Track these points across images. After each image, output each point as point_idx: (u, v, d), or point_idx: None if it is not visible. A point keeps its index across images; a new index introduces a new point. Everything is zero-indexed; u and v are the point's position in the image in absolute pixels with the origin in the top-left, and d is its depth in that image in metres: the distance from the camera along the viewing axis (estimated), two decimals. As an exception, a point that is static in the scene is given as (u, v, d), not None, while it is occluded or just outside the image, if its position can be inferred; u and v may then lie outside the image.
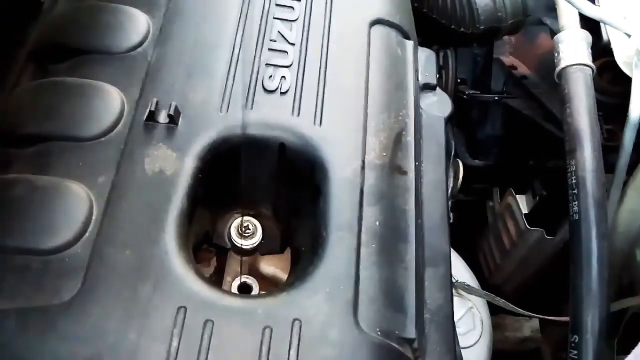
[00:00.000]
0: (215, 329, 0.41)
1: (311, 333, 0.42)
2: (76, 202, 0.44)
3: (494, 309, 0.88)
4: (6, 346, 0.39)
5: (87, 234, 0.43)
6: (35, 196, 0.44)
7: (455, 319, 0.75)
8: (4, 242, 0.42)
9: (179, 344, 0.40)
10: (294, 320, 0.42)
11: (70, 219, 0.43)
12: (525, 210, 0.94)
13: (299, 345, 0.41)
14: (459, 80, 0.99)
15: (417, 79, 0.63)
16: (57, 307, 0.40)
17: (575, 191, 0.56)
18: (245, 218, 0.56)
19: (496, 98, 0.95)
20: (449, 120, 0.65)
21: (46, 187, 0.44)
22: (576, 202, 0.55)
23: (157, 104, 0.48)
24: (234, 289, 0.55)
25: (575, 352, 0.50)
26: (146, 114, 0.48)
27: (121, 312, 0.40)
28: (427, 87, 0.64)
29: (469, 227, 1.05)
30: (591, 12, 0.66)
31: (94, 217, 0.44)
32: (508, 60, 0.98)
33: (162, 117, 0.49)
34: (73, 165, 0.46)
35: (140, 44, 0.53)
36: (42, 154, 0.47)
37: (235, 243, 0.55)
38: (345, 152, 0.51)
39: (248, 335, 0.41)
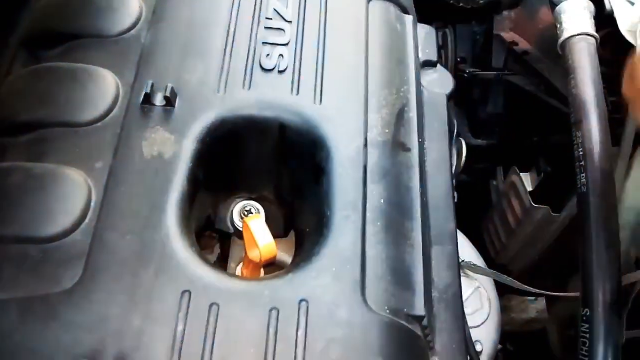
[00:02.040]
0: (220, 312, 0.40)
1: (319, 313, 0.41)
2: (74, 188, 0.43)
3: (500, 291, 0.87)
4: (8, 336, 0.38)
5: (86, 221, 0.42)
6: (31, 184, 0.43)
7: (463, 298, 0.75)
8: (1, 232, 0.41)
9: (184, 328, 0.39)
10: (301, 300, 0.41)
11: (69, 206, 0.42)
12: (529, 188, 0.93)
13: (306, 325, 0.40)
14: (458, 59, 0.97)
15: (418, 55, 0.62)
16: (58, 295, 0.39)
17: (583, 163, 0.55)
18: (247, 202, 0.55)
19: (497, 75, 0.94)
20: (450, 96, 0.64)
21: (43, 174, 0.43)
22: (583, 174, 0.54)
23: (152, 86, 0.47)
24: (238, 274, 0.54)
25: (587, 325, 0.49)
26: (142, 96, 0.47)
27: (124, 297, 0.40)
28: (428, 64, 0.63)
29: (473, 208, 1.04)
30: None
31: (92, 203, 0.43)
32: (508, 36, 0.96)
33: (158, 100, 0.48)
34: (69, 152, 0.45)
35: (133, 26, 0.52)
36: (37, 141, 0.46)
37: (238, 227, 0.54)
38: (347, 129, 0.50)
39: (254, 318, 0.40)
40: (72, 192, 0.43)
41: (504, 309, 1.10)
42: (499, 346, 0.85)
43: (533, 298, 1.17)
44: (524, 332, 1.17)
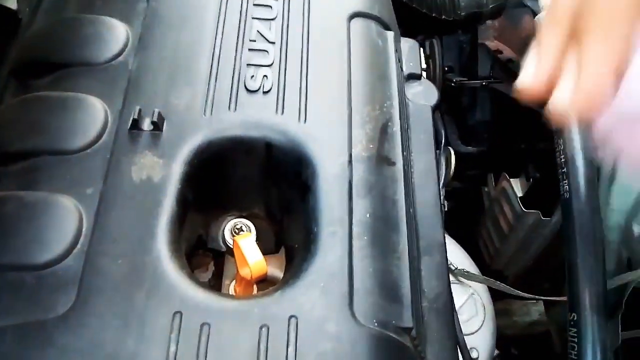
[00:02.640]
0: (212, 331, 0.41)
1: (308, 328, 0.42)
2: (66, 215, 0.44)
3: (498, 295, 0.88)
4: (5, 362, 0.39)
5: (78, 246, 0.43)
6: (24, 212, 0.44)
7: (457, 306, 0.76)
8: (-3, 260, 0.42)
9: (177, 348, 0.40)
10: (290, 317, 0.42)
11: (61, 233, 0.43)
12: (520, 194, 0.95)
13: (296, 341, 0.41)
14: (446, 69, 0.99)
15: (402, 69, 0.63)
16: (53, 320, 0.40)
17: (565, 170, 0.56)
18: (238, 219, 0.56)
19: (483, 83, 0.95)
20: (436, 108, 0.65)
21: (35, 202, 0.44)
22: (566, 181, 0.55)
23: (140, 111, 0.48)
24: (231, 291, 0.55)
25: (575, 329, 0.50)
26: (130, 122, 0.48)
27: (118, 321, 0.40)
28: (412, 77, 0.64)
29: (466, 215, 1.05)
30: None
31: (84, 229, 0.44)
32: (493, 44, 0.98)
33: (146, 125, 0.49)
34: (60, 179, 0.46)
35: (120, 53, 0.53)
36: (29, 169, 0.47)
37: (230, 245, 0.55)
38: (332, 147, 0.51)
39: (245, 335, 0.41)
40: (64, 219, 0.44)
41: (505, 313, 1.10)
42: (496, 352, 0.85)
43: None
44: (527, 336, 1.17)
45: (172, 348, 0.40)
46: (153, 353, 0.40)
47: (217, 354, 0.40)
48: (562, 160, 0.56)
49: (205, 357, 0.40)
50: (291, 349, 0.41)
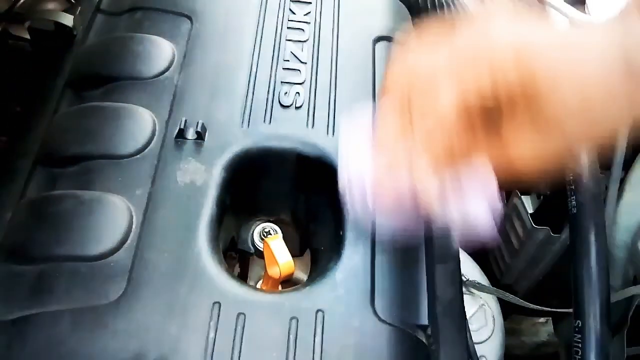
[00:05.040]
0: (247, 321, 0.45)
1: (333, 322, 0.46)
2: (118, 213, 0.49)
3: (507, 313, 0.90)
4: (62, 343, 0.43)
5: (128, 241, 0.48)
6: (81, 209, 0.49)
7: (468, 316, 0.79)
8: (55, 252, 0.47)
9: (215, 334, 0.44)
10: (318, 311, 0.46)
11: (114, 228, 0.48)
12: (530, 210, 0.98)
13: (322, 333, 0.45)
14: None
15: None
16: (105, 306, 0.45)
17: (572, 187, 0.60)
18: (267, 224, 0.61)
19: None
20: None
21: (91, 200, 0.49)
22: (574, 197, 0.59)
23: (185, 122, 0.54)
24: (258, 290, 0.59)
25: (579, 335, 0.53)
26: (176, 131, 0.54)
27: (162, 308, 0.45)
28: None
29: (478, 230, 1.08)
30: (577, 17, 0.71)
31: (134, 226, 0.49)
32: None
33: (190, 134, 0.54)
34: (113, 181, 0.51)
35: (167, 69, 0.58)
36: (84, 171, 0.52)
37: (258, 247, 0.59)
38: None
39: (277, 326, 0.45)
40: (116, 216, 0.49)
41: (513, 332, 1.12)
42: (505, 362, 0.88)
43: (544, 320, 1.19)
44: (536, 357, 1.18)
45: (211, 334, 0.44)
46: (194, 338, 0.44)
47: (251, 341, 0.44)
48: (570, 177, 0.60)
49: (241, 343, 0.44)
50: (318, 339, 0.45)
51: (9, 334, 0.44)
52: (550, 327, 1.19)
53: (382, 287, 0.49)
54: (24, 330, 0.44)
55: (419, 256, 0.53)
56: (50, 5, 0.74)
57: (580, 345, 0.53)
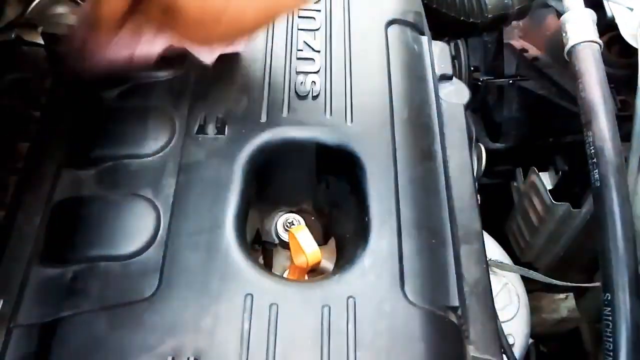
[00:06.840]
0: (280, 310, 0.46)
1: (365, 308, 0.46)
2: (145, 211, 0.50)
3: (527, 290, 0.90)
4: (101, 341, 0.44)
5: (158, 238, 0.49)
6: (109, 210, 0.50)
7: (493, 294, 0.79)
8: (87, 253, 0.48)
9: (250, 325, 0.45)
10: (349, 297, 0.47)
11: (143, 227, 0.49)
12: (549, 187, 0.98)
13: (355, 319, 0.46)
14: (472, 68, 1.03)
15: (434, 71, 0.68)
16: (140, 303, 0.45)
17: (595, 160, 0.59)
18: (289, 214, 0.61)
19: (510, 81, 0.99)
20: (467, 106, 0.69)
21: (118, 201, 0.50)
22: (596, 170, 0.59)
23: (205, 118, 0.54)
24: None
25: (609, 308, 0.53)
26: (196, 127, 0.54)
27: (196, 302, 0.46)
28: (444, 78, 0.69)
29: (496, 210, 1.08)
30: (593, -10, 0.70)
31: (162, 223, 0.49)
32: (518, 44, 1.01)
33: (211, 130, 0.54)
34: (138, 179, 0.51)
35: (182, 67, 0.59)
36: (109, 172, 0.52)
37: (282, 238, 0.60)
38: (376, 144, 0.56)
39: (309, 314, 0.46)
40: (144, 215, 0.49)
41: (534, 310, 1.13)
42: (531, 340, 0.88)
43: (564, 296, 1.19)
44: (556, 333, 1.18)
45: (246, 326, 0.45)
46: (229, 330, 0.45)
47: (285, 330, 0.45)
48: (592, 151, 0.60)
49: (276, 332, 0.45)
50: (351, 326, 0.46)
51: (48, 336, 0.45)
52: (570, 303, 1.19)
53: (411, 270, 0.49)
54: (63, 332, 0.44)
55: (445, 237, 0.53)
56: (60, 9, 0.74)
57: (610, 318, 0.53)
